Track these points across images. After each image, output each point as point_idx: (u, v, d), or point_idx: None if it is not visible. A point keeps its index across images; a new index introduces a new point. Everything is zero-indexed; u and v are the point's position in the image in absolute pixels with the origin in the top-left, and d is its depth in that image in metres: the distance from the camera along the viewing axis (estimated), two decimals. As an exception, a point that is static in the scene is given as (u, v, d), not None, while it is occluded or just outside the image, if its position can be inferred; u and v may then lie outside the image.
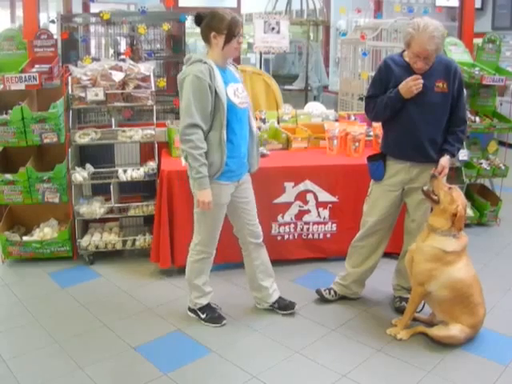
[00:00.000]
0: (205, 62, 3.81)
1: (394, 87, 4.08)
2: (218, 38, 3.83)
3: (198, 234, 4.18)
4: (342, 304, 4.62)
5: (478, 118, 6.59)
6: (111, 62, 5.39)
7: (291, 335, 4.18)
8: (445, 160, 4.11)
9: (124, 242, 5.36)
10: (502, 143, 7.06)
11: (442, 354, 3.98)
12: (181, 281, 4.90)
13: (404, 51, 4.15)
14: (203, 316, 4.32)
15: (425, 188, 4.09)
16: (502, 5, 12.01)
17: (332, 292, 4.69)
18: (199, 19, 3.91)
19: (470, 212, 6.31)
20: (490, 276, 4.63)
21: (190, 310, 4.41)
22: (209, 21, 3.85)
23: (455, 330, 4.01)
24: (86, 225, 5.61)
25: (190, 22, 6.11)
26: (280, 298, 4.51)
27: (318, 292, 4.69)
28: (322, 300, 4.66)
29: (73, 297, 4.73)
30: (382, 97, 4.14)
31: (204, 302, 4.35)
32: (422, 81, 3.97)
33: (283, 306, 4.48)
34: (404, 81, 4.00)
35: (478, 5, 11.23)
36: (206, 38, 3.89)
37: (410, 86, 3.97)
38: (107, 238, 5.35)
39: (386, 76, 4.17)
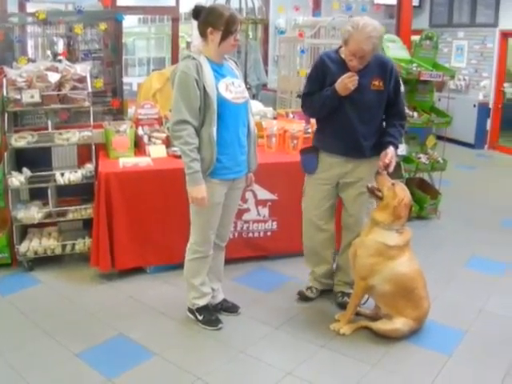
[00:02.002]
0: (193, 58, 3.78)
1: (330, 84, 4.10)
2: (215, 33, 3.80)
3: (194, 233, 4.14)
4: (285, 301, 4.63)
5: (416, 114, 6.70)
6: (47, 63, 5.27)
7: (235, 335, 4.18)
8: (391, 151, 4.15)
9: (63, 247, 5.25)
10: (440, 137, 7.18)
11: (386, 347, 4.02)
12: (122, 284, 4.88)
13: (340, 47, 4.18)
14: (200, 318, 4.27)
15: (369, 185, 4.12)
16: (440, 2, 12.25)
17: (314, 289, 4.73)
18: (197, 13, 3.87)
19: (410, 206, 6.41)
20: (431, 268, 4.69)
21: (189, 310, 4.35)
22: (206, 16, 3.82)
23: (399, 324, 4.06)
24: (25, 230, 5.48)
25: (127, 21, 6.04)
26: (224, 300, 4.50)
27: (300, 293, 4.71)
28: (304, 299, 4.69)
29: (13, 305, 4.60)
30: (319, 94, 4.17)
31: (201, 303, 4.28)
32: (357, 77, 4.01)
33: (226, 308, 4.48)
34: (340, 78, 4.02)
35: (415, 2, 11.46)
36: (203, 33, 3.86)
37: (346, 83, 4.00)
38: (46, 243, 5.23)
39: (322, 73, 4.20)
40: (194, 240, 4.13)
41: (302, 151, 4.51)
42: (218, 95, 3.79)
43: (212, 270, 4.34)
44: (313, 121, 5.58)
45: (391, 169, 4.12)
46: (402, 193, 4.04)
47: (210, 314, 4.30)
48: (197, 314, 4.29)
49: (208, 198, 3.87)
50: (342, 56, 4.13)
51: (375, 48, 3.99)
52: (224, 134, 3.87)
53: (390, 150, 4.14)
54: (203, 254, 4.15)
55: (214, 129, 3.80)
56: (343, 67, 4.09)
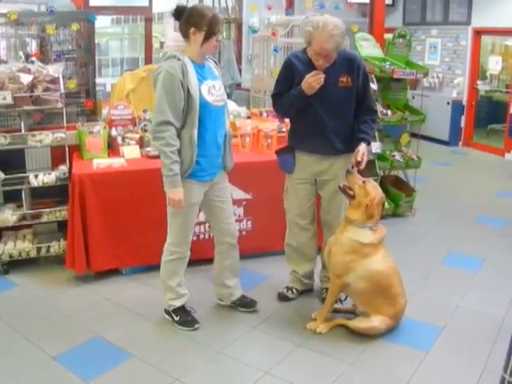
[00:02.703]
0: (178, 59, 3.77)
1: (298, 83, 4.12)
2: (198, 34, 3.79)
3: (171, 234, 4.11)
4: (262, 301, 4.60)
5: (389, 112, 6.72)
6: (19, 64, 5.22)
7: (212, 335, 4.17)
8: (363, 148, 4.17)
9: (38, 249, 5.20)
10: (414, 135, 7.23)
11: (363, 345, 4.04)
12: (98, 286, 4.85)
13: (307, 47, 4.18)
14: (176, 318, 4.26)
15: (340, 184, 4.14)
16: (413, 1, 12.31)
17: (294, 290, 4.73)
18: (178, 13, 3.85)
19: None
20: (407, 265, 4.73)
21: (166, 311, 4.33)
22: (188, 16, 3.81)
23: (376, 321, 4.08)
24: (-1, 233, 5.43)
25: (101, 21, 6.00)
26: (242, 295, 4.51)
27: (281, 295, 4.71)
28: (285, 300, 4.68)
29: (-12, 308, 4.57)
30: (287, 94, 4.19)
31: (177, 304, 4.26)
32: (322, 75, 4.01)
33: (244, 304, 4.49)
34: (305, 77, 4.04)
35: (389, 1, 11.50)
36: (185, 34, 3.84)
37: (310, 82, 4.02)
38: (21, 246, 5.18)
39: (290, 73, 4.22)
40: (172, 241, 4.12)
41: (277, 152, 4.52)
42: (200, 98, 3.80)
43: (228, 268, 4.37)
44: (287, 120, 5.60)
45: (363, 165, 4.14)
46: (374, 191, 4.06)
47: (186, 315, 4.29)
48: (173, 314, 4.27)
49: (185, 199, 3.86)
50: (309, 56, 4.13)
51: (339, 46, 4.00)
52: (204, 136, 3.88)
53: (362, 146, 4.17)
54: (180, 255, 4.13)
55: (196, 131, 3.80)
56: (310, 66, 4.11)
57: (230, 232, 4.30)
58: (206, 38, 3.80)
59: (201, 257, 4.78)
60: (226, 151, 4.14)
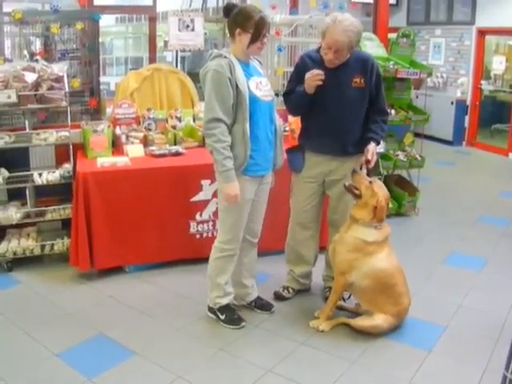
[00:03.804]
0: (225, 57, 3.80)
1: None
2: (243, 35, 3.80)
3: (222, 232, 4.13)
4: (266, 298, 4.59)
5: (393, 111, 6.73)
6: (24, 63, 5.24)
7: (214, 333, 4.18)
8: (372, 147, 4.17)
9: (42, 247, 5.22)
10: (417, 135, 7.23)
11: (365, 343, 4.05)
12: (101, 284, 4.87)
13: (321, 47, 4.17)
14: (222, 317, 4.26)
15: (346, 183, 4.14)
16: (417, 0, 12.30)
17: (290, 289, 4.74)
18: (227, 11, 3.87)
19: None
20: (410, 265, 4.71)
21: (210, 309, 4.33)
22: (235, 16, 3.82)
23: (379, 320, 4.08)
24: (3, 231, 5.43)
25: (105, 20, 6.01)
26: (258, 297, 4.50)
27: (276, 294, 4.72)
28: (280, 299, 4.68)
29: (-9, 305, 4.59)
30: (294, 92, 4.20)
31: (224, 302, 4.26)
32: (321, 73, 4.00)
33: (259, 306, 4.48)
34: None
35: (393, 1, 11.51)
36: (231, 33, 3.87)
37: (308, 83, 4.04)
38: (25, 244, 5.20)
39: (303, 71, 4.19)
40: (222, 239, 4.13)
41: (287, 150, 4.52)
42: (249, 93, 3.82)
43: (246, 266, 4.37)
44: (291, 119, 5.61)
45: (372, 165, 4.15)
46: (381, 191, 4.06)
47: (232, 313, 4.28)
48: (218, 313, 4.27)
49: (240, 194, 3.89)
50: (321, 52, 4.12)
51: (351, 42, 3.98)
52: (255, 131, 3.90)
53: (371, 146, 4.16)
54: (231, 253, 4.14)
55: (247, 125, 3.82)
56: (322, 66, 4.10)
57: (254, 231, 4.29)
58: (252, 41, 3.80)
59: (203, 255, 4.79)
60: (277, 147, 4.15)
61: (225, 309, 4.27)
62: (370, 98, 4.25)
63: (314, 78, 4.00)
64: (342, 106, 4.16)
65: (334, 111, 4.17)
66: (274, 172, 4.27)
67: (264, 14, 3.85)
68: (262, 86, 3.95)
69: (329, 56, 4.04)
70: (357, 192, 4.09)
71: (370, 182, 4.07)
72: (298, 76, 4.25)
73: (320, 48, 4.17)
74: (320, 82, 4.01)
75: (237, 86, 3.78)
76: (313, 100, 4.13)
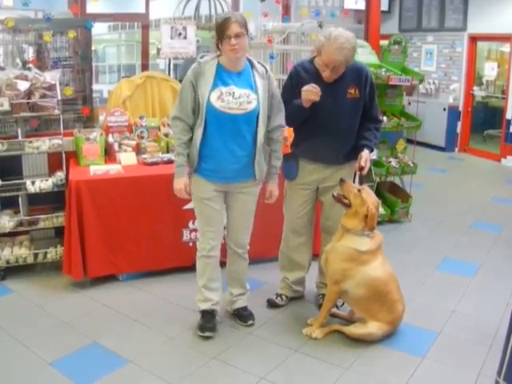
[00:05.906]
0: (199, 63, 3.92)
1: None
2: (217, 40, 3.87)
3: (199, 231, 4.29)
4: (258, 307, 4.61)
5: (385, 118, 6.74)
6: (16, 71, 5.24)
7: (207, 341, 4.16)
8: (365, 154, 4.16)
9: (35, 256, 5.21)
10: (410, 141, 7.25)
11: (358, 350, 4.05)
12: (95, 292, 4.86)
13: (315, 57, 4.19)
14: (199, 320, 4.29)
15: (335, 193, 4.14)
16: (409, 7, 12.35)
17: (283, 297, 4.74)
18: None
19: (381, 210, 6.42)
20: (403, 271, 4.73)
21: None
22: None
23: (373, 328, 4.08)
24: (-4, 239, 5.44)
25: (97, 28, 6.01)
26: (243, 307, 4.47)
27: (270, 301, 4.71)
28: (274, 307, 4.68)
29: (-16, 314, 4.57)
30: (290, 105, 4.17)
31: (202, 306, 4.27)
32: (316, 88, 3.98)
33: (239, 315, 4.46)
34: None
35: (384, 7, 11.52)
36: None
37: (304, 98, 4.03)
38: (18, 252, 5.18)
39: (297, 83, 4.18)
40: (199, 238, 4.26)
41: None
42: (207, 102, 3.85)
43: (231, 274, 4.40)
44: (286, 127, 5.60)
45: (365, 171, 4.16)
46: (370, 198, 4.05)
47: (207, 321, 4.25)
48: (200, 315, 4.30)
49: (193, 192, 4.08)
50: (317, 66, 4.14)
51: (348, 59, 3.98)
52: (210, 139, 3.94)
53: (365, 153, 4.16)
54: (204, 253, 4.17)
55: (200, 132, 3.91)
56: (317, 77, 4.11)
57: (236, 240, 4.29)
58: (220, 43, 3.83)
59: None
60: (256, 161, 4.04)
61: (203, 313, 4.28)
62: (363, 107, 4.26)
63: (310, 94, 3.99)
64: (337, 117, 4.17)
65: (328, 122, 4.17)
66: (264, 185, 4.25)
67: (229, 16, 3.83)
68: (231, 97, 3.88)
69: (326, 73, 4.05)
70: (346, 201, 4.08)
71: (359, 190, 4.06)
72: (292, 87, 4.23)
73: (313, 58, 4.19)
74: (317, 99, 4.00)
75: (198, 92, 3.90)
76: (308, 111, 4.13)
